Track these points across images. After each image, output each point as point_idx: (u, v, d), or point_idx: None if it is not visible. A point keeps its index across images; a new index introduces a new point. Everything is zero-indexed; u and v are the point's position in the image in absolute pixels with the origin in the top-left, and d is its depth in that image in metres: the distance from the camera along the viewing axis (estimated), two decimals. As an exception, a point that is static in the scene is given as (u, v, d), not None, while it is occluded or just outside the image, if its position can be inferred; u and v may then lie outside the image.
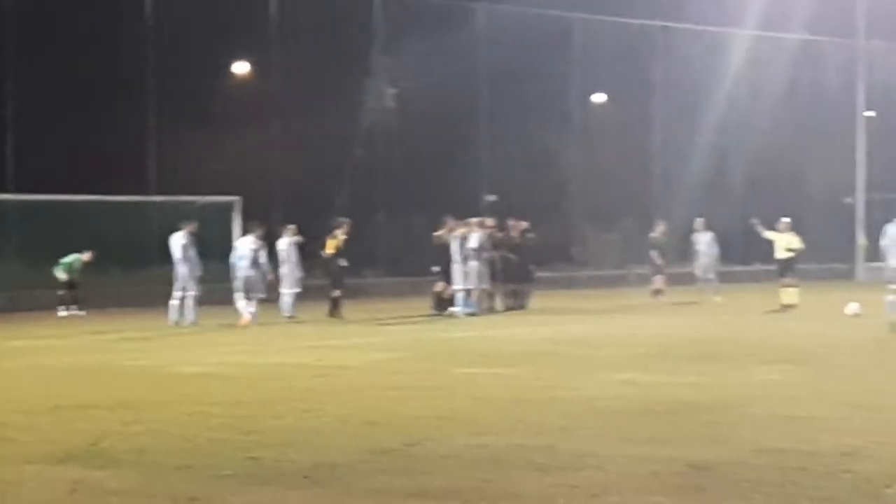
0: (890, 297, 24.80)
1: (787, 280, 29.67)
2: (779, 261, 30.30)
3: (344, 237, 28.72)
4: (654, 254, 34.02)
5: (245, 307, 26.46)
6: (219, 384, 15.63)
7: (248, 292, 26.62)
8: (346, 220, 29.33)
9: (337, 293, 28.56)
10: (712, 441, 10.64)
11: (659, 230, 34.53)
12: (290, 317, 27.98)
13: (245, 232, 28.97)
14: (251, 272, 26.68)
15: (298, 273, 28.79)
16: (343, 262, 28.67)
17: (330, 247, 28.61)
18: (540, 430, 11.32)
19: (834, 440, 10.51)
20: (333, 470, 9.65)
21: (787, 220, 30.59)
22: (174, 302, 27.09)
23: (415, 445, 10.65)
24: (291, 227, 29.16)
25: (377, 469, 9.67)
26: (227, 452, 10.46)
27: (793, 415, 12.05)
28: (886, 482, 8.75)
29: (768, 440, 10.58)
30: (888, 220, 25.71)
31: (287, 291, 28.51)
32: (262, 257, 27.22)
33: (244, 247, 27.26)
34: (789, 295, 29.35)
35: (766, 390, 14.04)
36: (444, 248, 28.91)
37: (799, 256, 30.42)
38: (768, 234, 30.50)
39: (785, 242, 30.17)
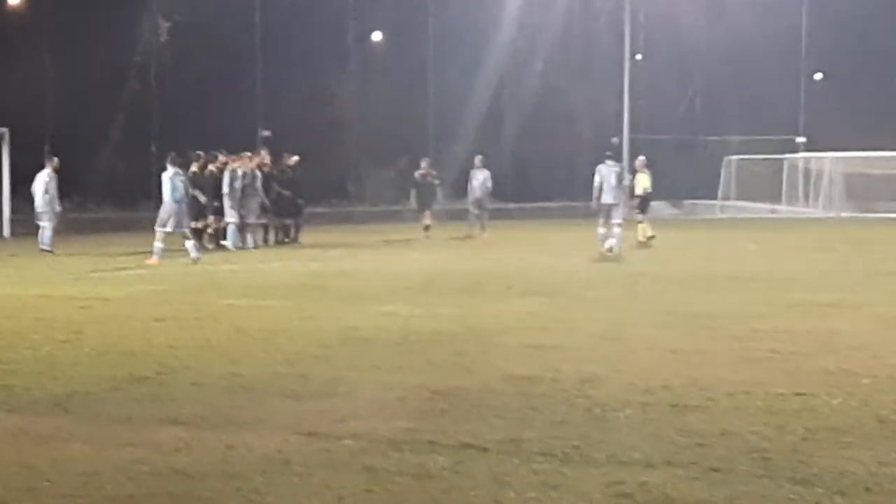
0: (601, 230, 25.92)
1: (640, 216, 30.40)
2: (637, 197, 30.88)
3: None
4: (412, 192, 34.52)
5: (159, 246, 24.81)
6: (-24, 315, 15.35)
7: (177, 226, 24.97)
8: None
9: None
10: (461, 369, 10.89)
11: (421, 169, 34.86)
12: (49, 250, 27.33)
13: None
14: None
15: (58, 206, 28.14)
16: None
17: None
18: (296, 360, 11.43)
19: (576, 368, 10.84)
20: (86, 398, 9.63)
21: (643, 158, 31.25)
22: (-61, 235, 26.39)
23: (170, 374, 10.67)
24: (54, 159, 28.58)
25: (130, 397, 9.68)
26: (-22, 382, 10.34)
27: (541, 344, 12.39)
28: (617, 406, 9.11)
29: (515, 368, 10.86)
30: (600, 161, 26.85)
31: (47, 224, 27.84)
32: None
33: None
34: (643, 230, 30.00)
35: (518, 321, 14.37)
36: (216, 182, 28.73)
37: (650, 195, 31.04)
38: (636, 180, 30.95)
39: (642, 181, 30.80)
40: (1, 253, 27.97)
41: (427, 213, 34.01)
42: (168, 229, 24.81)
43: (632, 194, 31.36)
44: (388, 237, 33.50)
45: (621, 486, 6.87)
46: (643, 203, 30.48)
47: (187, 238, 24.98)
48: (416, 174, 34.83)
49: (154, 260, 24.32)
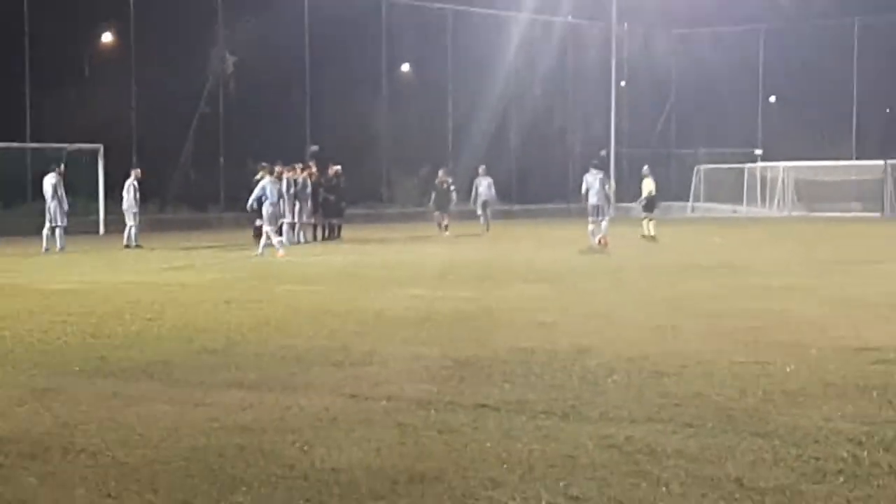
0: (591, 227, 25.94)
1: (648, 215, 30.18)
2: (644, 199, 30.69)
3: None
4: (432, 195, 34.58)
5: (278, 240, 24.36)
6: (77, 298, 15.37)
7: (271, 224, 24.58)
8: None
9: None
10: (475, 342, 10.86)
11: (439, 176, 34.80)
12: (137, 245, 27.35)
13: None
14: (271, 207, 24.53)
15: (135, 208, 28.00)
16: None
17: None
18: (339, 335, 11.42)
19: (571, 341, 10.81)
20: (166, 366, 9.65)
21: (647, 166, 31.33)
22: (46, 232, 26.38)
23: (235, 346, 10.69)
24: (136, 170, 28.64)
25: (203, 365, 9.70)
26: (79, 353, 10.35)
27: (542, 322, 12.36)
28: (606, 373, 9.08)
29: (519, 341, 10.83)
30: (586, 170, 26.89)
31: (132, 223, 27.80)
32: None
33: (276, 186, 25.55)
34: (650, 227, 29.73)
35: (523, 303, 14.35)
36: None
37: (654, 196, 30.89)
38: (644, 187, 30.82)
39: (647, 185, 30.69)
40: (97, 247, 27.99)
41: (444, 214, 33.88)
42: (285, 219, 24.65)
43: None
44: (413, 234, 33.42)
45: (610, 439, 6.85)
46: (649, 203, 30.43)
47: (264, 235, 24.71)
48: (436, 181, 34.84)
49: (282, 252, 23.86)
